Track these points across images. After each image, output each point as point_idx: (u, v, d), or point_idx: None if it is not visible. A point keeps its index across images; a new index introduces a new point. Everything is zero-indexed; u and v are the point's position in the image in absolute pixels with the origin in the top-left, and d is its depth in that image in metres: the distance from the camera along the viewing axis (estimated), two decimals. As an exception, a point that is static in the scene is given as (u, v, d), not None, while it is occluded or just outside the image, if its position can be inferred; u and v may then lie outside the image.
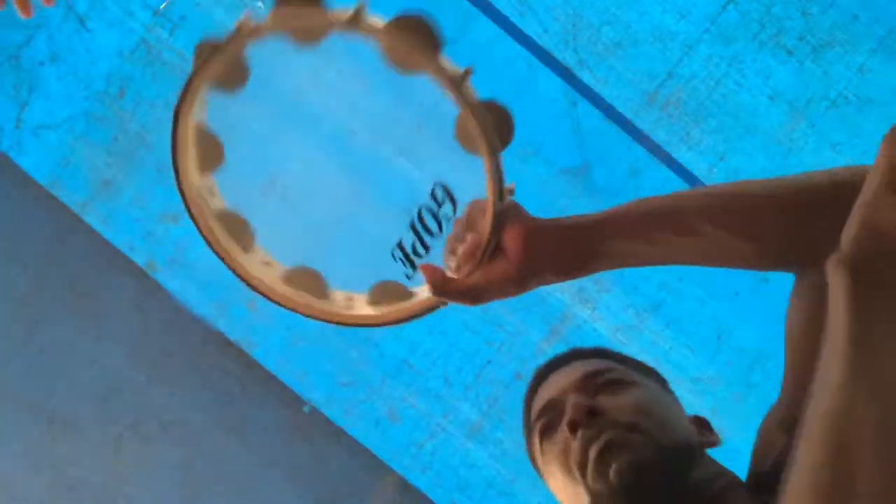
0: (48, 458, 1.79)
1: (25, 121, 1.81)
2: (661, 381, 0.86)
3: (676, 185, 1.71)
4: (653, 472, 0.71)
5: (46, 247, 1.84)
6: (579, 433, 0.74)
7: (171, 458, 1.80)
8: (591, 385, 0.79)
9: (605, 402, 0.76)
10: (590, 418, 0.74)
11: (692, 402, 1.84)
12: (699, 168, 1.71)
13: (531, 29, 1.68)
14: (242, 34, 0.66)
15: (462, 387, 1.82)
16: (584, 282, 1.75)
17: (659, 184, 1.70)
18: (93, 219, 1.82)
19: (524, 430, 0.85)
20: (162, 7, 1.74)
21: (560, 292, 1.78)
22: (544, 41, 1.68)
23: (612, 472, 0.71)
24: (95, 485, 1.79)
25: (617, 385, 0.79)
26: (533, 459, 0.83)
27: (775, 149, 1.73)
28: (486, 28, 1.69)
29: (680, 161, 1.71)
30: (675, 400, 0.84)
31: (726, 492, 0.73)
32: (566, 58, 1.69)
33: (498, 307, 1.79)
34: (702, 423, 0.84)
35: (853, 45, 1.67)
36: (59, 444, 1.80)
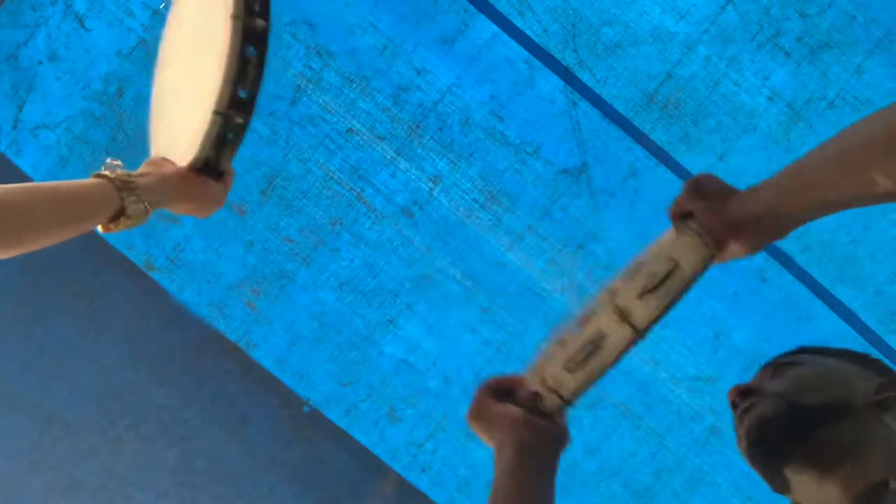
0: (47, 458, 1.79)
1: (24, 121, 1.80)
2: (850, 357, 0.91)
3: (676, 186, 1.71)
4: (775, 424, 0.79)
5: (45, 247, 1.83)
6: (738, 410, 0.84)
7: (170, 458, 1.80)
8: (767, 373, 0.88)
9: (768, 383, 0.86)
10: (742, 397, 0.84)
11: (690, 401, 1.85)
12: (698, 168, 1.72)
13: (531, 29, 1.69)
14: None
15: (461, 387, 1.82)
16: (584, 282, 1.76)
17: (658, 184, 1.71)
18: (91, 219, 1.82)
19: None
20: (161, 7, 1.74)
21: (560, 292, 1.79)
22: (544, 41, 1.69)
23: (744, 431, 0.81)
24: (94, 485, 1.79)
25: (786, 367, 0.87)
26: None
27: (774, 149, 1.74)
28: (485, 28, 1.70)
29: (679, 161, 1.72)
30: (859, 371, 0.87)
31: (862, 454, 0.77)
32: (566, 58, 1.69)
33: (498, 307, 1.80)
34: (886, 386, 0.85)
35: (851, 47, 1.68)
36: (58, 445, 1.79)
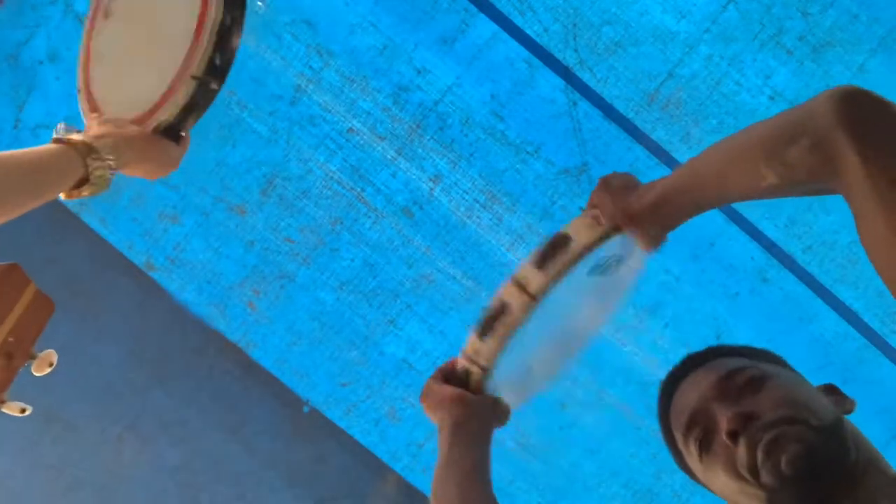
0: (47, 457, 1.79)
1: (24, 120, 1.80)
2: (782, 363, 0.88)
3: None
4: (821, 454, 0.74)
5: (45, 247, 1.84)
6: (741, 440, 0.76)
7: (170, 458, 1.80)
8: (732, 388, 0.81)
9: (752, 403, 0.78)
10: (746, 423, 0.76)
11: (691, 401, 1.84)
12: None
13: (531, 28, 1.68)
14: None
15: (462, 387, 1.82)
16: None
17: (659, 184, 1.70)
18: (91, 218, 1.82)
19: (668, 438, 0.89)
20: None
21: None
22: (544, 41, 1.68)
23: (783, 465, 0.73)
24: (95, 485, 1.79)
25: (755, 381, 0.80)
26: (687, 467, 0.87)
27: (775, 149, 1.73)
28: (486, 27, 1.69)
29: (680, 161, 1.71)
30: (801, 376, 0.86)
31: (871, 462, 0.76)
32: (566, 57, 1.68)
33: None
34: (833, 390, 0.85)
35: (853, 45, 1.67)
36: (59, 444, 1.79)
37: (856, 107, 0.67)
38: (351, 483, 1.84)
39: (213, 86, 0.94)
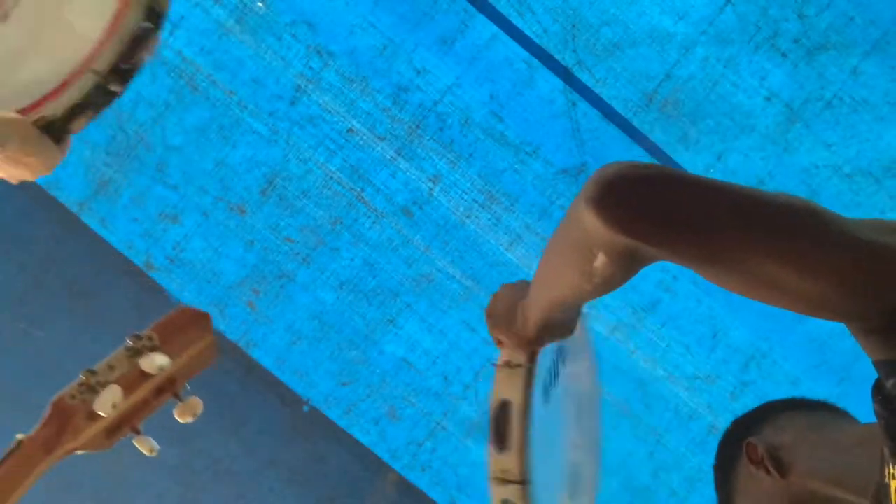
0: (47, 458, 1.79)
1: (23, 120, 1.80)
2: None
3: (674, 185, 1.72)
4: None
5: (44, 247, 1.84)
6: None
7: (170, 458, 1.80)
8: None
9: None
10: None
11: (688, 399, 1.86)
12: (697, 168, 1.73)
13: (530, 29, 1.69)
14: None
15: (461, 386, 1.83)
16: (583, 281, 1.76)
17: (657, 184, 1.71)
18: (91, 218, 1.82)
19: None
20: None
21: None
22: (543, 41, 1.69)
23: None
24: (94, 485, 1.79)
25: None
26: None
27: (771, 149, 1.75)
28: (485, 28, 1.70)
29: (678, 161, 1.73)
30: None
31: None
32: (565, 58, 1.70)
33: (497, 306, 1.80)
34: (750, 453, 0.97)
35: (848, 48, 1.69)
36: (58, 445, 1.79)
37: (614, 200, 0.58)
38: (351, 483, 1.85)
39: (112, 88, 0.84)
